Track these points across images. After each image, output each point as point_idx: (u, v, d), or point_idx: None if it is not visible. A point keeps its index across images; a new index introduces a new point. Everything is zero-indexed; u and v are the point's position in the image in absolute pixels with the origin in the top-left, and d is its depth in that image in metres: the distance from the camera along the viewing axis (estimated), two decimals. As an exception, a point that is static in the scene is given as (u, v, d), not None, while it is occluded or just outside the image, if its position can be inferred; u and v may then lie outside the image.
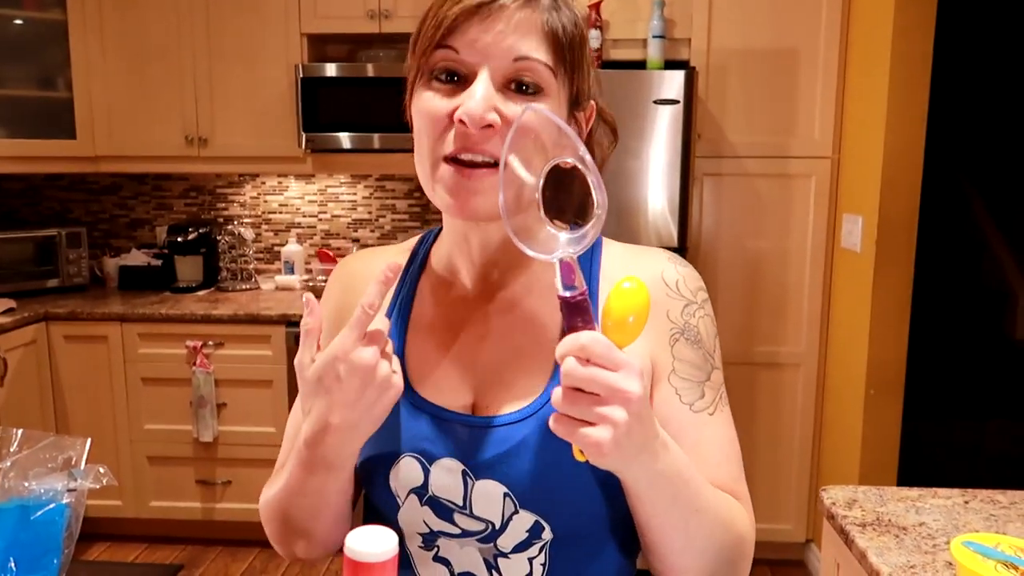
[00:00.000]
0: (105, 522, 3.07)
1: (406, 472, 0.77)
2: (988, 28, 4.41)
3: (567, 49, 0.73)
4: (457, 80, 0.72)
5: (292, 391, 2.94)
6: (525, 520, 0.75)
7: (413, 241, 0.91)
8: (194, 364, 2.93)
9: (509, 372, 0.78)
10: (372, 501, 0.83)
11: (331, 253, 3.42)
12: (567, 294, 0.60)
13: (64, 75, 3.12)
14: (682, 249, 2.61)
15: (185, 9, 3.06)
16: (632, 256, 0.83)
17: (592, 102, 0.80)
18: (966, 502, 1.36)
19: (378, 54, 3.15)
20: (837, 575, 1.35)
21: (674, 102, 2.57)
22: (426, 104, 0.73)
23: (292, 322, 2.90)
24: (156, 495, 3.04)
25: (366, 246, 3.12)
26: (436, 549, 0.78)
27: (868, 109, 2.52)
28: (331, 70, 3.01)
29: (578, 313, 0.60)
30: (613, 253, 0.84)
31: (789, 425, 2.89)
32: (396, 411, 0.77)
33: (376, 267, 0.82)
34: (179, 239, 3.30)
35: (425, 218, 3.46)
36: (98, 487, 0.57)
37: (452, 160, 0.72)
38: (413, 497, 0.77)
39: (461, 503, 0.76)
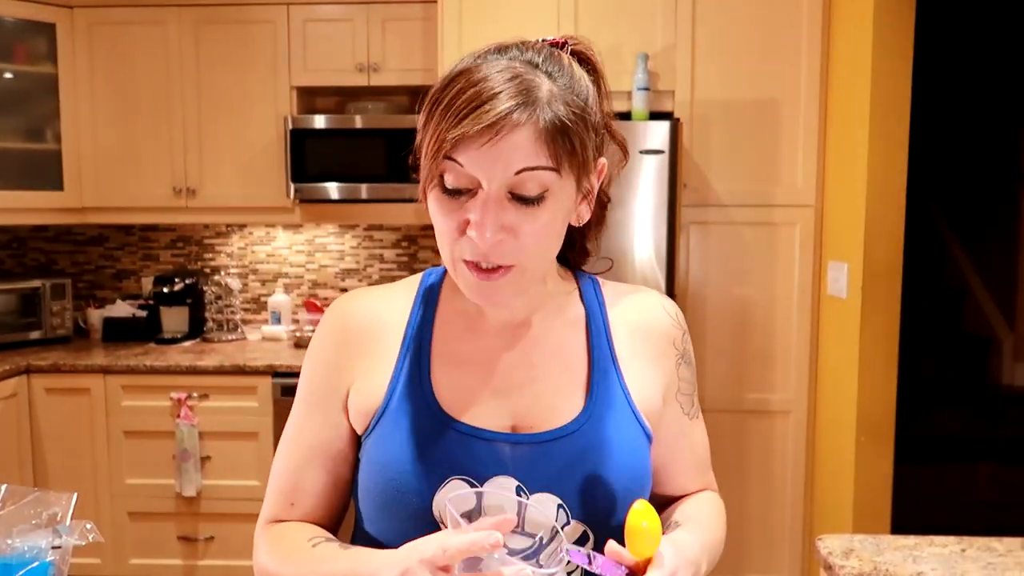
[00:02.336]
0: (83, 583, 2.98)
1: (454, 496, 0.76)
2: (965, 75, 4.54)
3: (570, 136, 0.75)
4: (462, 193, 0.76)
5: (277, 442, 2.88)
6: (574, 530, 0.79)
7: (416, 279, 0.93)
8: (178, 416, 2.88)
9: (546, 394, 0.83)
10: (394, 535, 0.79)
11: (318, 303, 3.41)
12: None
13: (52, 127, 3.13)
14: (670, 296, 2.62)
15: (175, 62, 3.09)
16: (629, 292, 0.95)
17: (603, 160, 0.84)
18: (963, 550, 1.34)
19: (366, 106, 3.19)
20: (836, 627, 1.33)
21: (659, 152, 2.61)
22: (437, 211, 0.78)
23: (278, 373, 2.87)
24: (136, 552, 2.95)
25: (354, 295, 3.11)
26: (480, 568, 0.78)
27: (849, 157, 2.57)
28: (320, 122, 3.04)
29: None
30: (611, 290, 0.95)
31: (781, 473, 2.86)
32: (437, 437, 0.79)
33: (376, 304, 0.84)
34: (165, 290, 3.27)
35: (412, 267, 3.46)
36: (84, 543, 0.55)
37: (471, 264, 0.78)
38: (462, 520, 0.76)
39: (515, 522, 0.76)
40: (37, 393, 2.92)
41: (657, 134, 2.61)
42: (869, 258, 2.47)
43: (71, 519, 0.54)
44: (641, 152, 2.61)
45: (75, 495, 0.57)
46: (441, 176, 0.76)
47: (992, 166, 4.58)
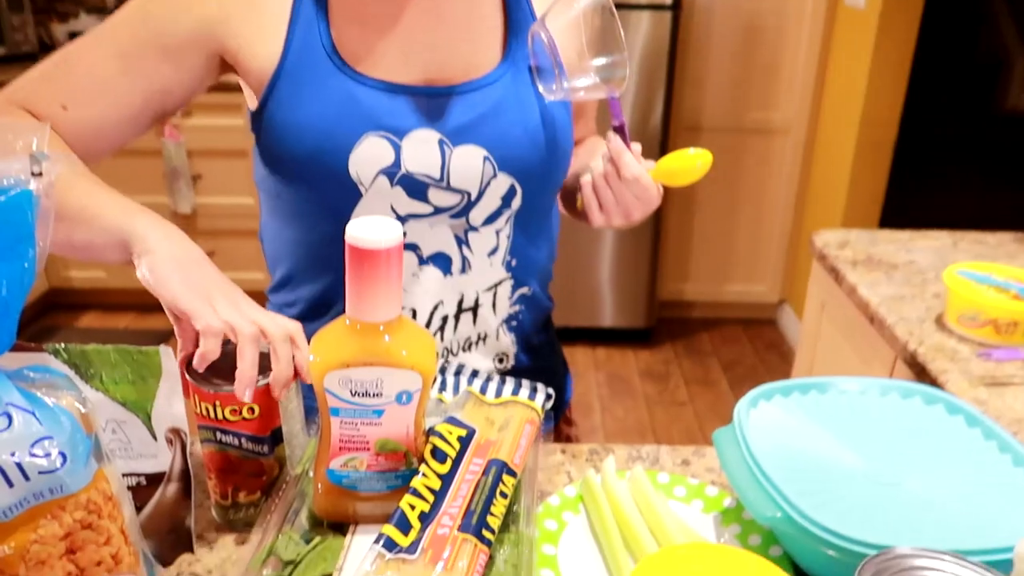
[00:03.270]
0: (91, 293, 3.10)
1: (371, 153, 0.72)
2: None
3: None
4: None
5: (268, 161, 2.84)
6: (502, 184, 0.76)
7: None
8: (163, 135, 2.80)
9: (461, 47, 0.75)
10: (311, 205, 0.75)
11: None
12: (617, 123, 0.75)
13: None
14: (676, 7, 2.44)
15: None
16: None
17: None
18: (955, 243, 1.36)
19: None
20: (821, 315, 1.39)
21: None
22: None
23: (262, 87, 2.74)
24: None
25: None
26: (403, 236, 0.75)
27: None
28: None
29: (623, 134, 0.75)
30: None
31: (774, 191, 2.88)
32: (343, 93, 0.71)
33: None
34: None
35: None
36: (66, 171, 0.51)
37: None
38: (382, 179, 0.73)
39: (438, 175, 0.74)
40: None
41: None
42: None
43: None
44: None
45: (48, 125, 0.52)
46: None
47: None
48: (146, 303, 3.14)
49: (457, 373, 0.71)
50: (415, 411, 0.56)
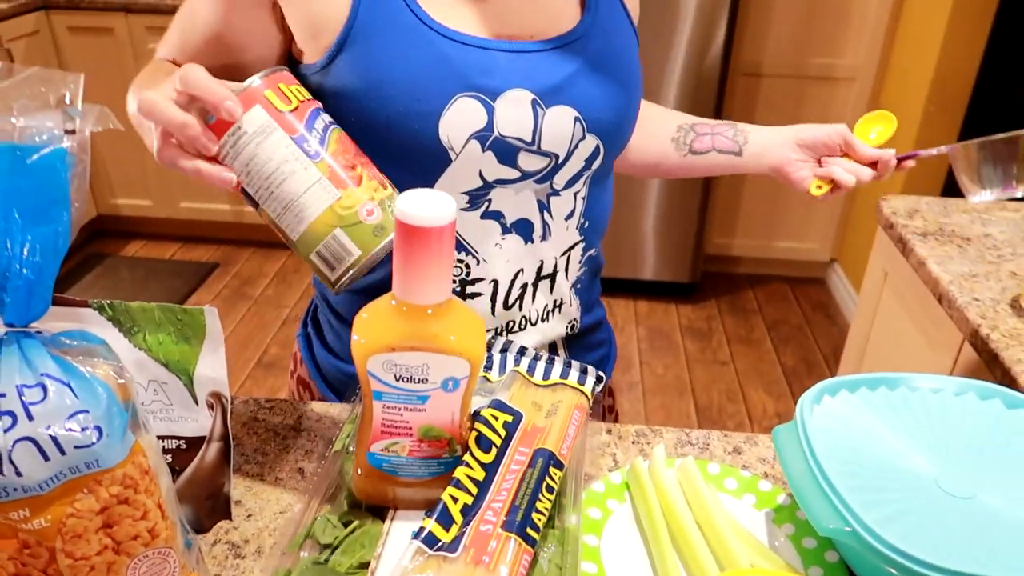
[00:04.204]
0: (138, 221, 3.12)
1: (464, 116, 0.65)
2: None
3: None
4: None
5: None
6: (588, 146, 0.72)
7: None
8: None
9: None
10: (389, 173, 0.64)
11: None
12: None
13: None
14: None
15: None
16: None
17: None
18: (1033, 217, 1.28)
19: None
20: (883, 284, 1.32)
21: None
22: None
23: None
24: (185, 196, 3.05)
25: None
26: (487, 204, 0.71)
27: None
28: None
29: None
30: None
31: (833, 145, 2.75)
32: (430, 50, 0.65)
33: None
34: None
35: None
36: (101, 129, 0.48)
37: None
38: (473, 144, 0.67)
39: (530, 139, 0.68)
40: (60, 32, 2.78)
41: None
42: None
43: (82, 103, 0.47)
44: None
45: (82, 76, 0.49)
46: None
47: None
48: (192, 234, 3.17)
49: (504, 350, 0.68)
50: (461, 398, 0.53)
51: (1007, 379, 0.90)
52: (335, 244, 0.58)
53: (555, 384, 0.64)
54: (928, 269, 1.10)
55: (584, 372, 0.66)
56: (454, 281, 0.73)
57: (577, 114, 0.70)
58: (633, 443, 0.74)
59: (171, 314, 0.57)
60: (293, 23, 0.67)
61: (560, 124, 0.69)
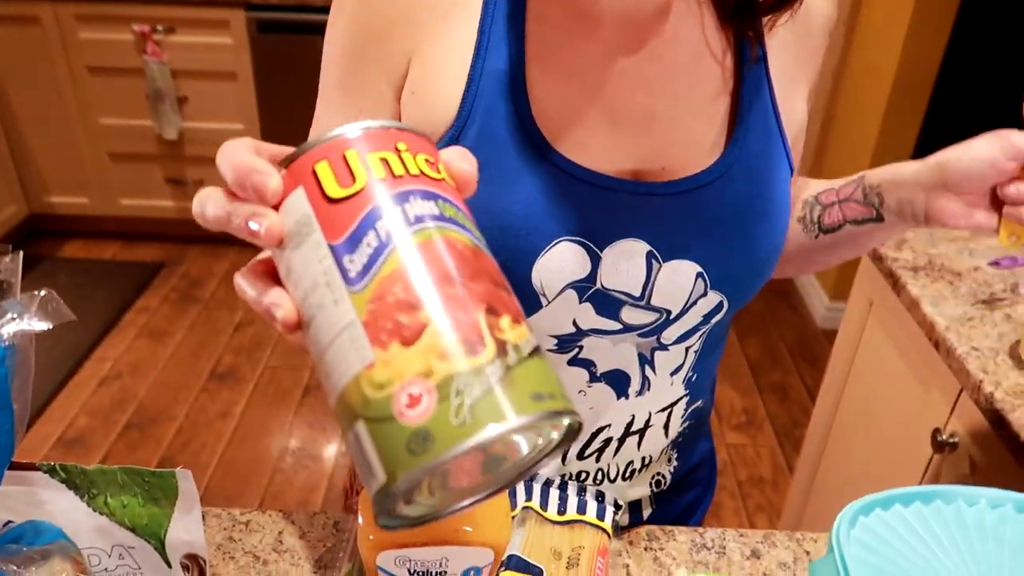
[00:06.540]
0: (75, 220, 2.95)
1: (563, 263, 0.55)
2: None
3: None
4: None
5: (260, 86, 2.66)
6: (709, 302, 0.60)
7: None
8: (144, 52, 2.59)
9: (681, 123, 0.57)
10: None
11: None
12: None
13: None
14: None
15: None
16: None
17: None
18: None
19: None
20: (868, 313, 1.30)
21: None
22: None
23: (253, 5, 2.52)
24: (125, 192, 2.88)
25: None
26: (578, 351, 0.61)
27: None
28: None
29: None
30: None
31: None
32: (538, 182, 0.54)
33: None
34: None
35: None
36: (51, 326, 0.39)
37: None
38: (570, 293, 0.57)
39: (639, 294, 0.58)
40: (-22, 19, 2.57)
41: None
42: None
43: (21, 290, 0.38)
44: None
45: (21, 253, 0.40)
46: None
47: None
48: (132, 231, 3.00)
49: None
50: (483, 578, 0.47)
51: (1014, 443, 0.87)
52: (355, 447, 0.31)
53: (572, 521, 0.58)
54: (922, 311, 1.07)
55: (601, 500, 0.60)
56: None
57: (701, 270, 0.58)
58: (646, 550, 0.69)
59: (136, 476, 0.50)
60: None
61: (677, 281, 0.58)
